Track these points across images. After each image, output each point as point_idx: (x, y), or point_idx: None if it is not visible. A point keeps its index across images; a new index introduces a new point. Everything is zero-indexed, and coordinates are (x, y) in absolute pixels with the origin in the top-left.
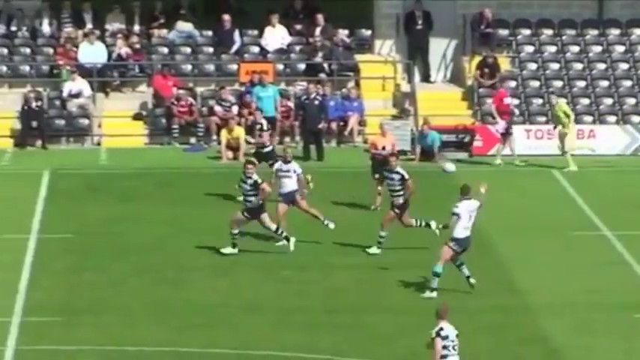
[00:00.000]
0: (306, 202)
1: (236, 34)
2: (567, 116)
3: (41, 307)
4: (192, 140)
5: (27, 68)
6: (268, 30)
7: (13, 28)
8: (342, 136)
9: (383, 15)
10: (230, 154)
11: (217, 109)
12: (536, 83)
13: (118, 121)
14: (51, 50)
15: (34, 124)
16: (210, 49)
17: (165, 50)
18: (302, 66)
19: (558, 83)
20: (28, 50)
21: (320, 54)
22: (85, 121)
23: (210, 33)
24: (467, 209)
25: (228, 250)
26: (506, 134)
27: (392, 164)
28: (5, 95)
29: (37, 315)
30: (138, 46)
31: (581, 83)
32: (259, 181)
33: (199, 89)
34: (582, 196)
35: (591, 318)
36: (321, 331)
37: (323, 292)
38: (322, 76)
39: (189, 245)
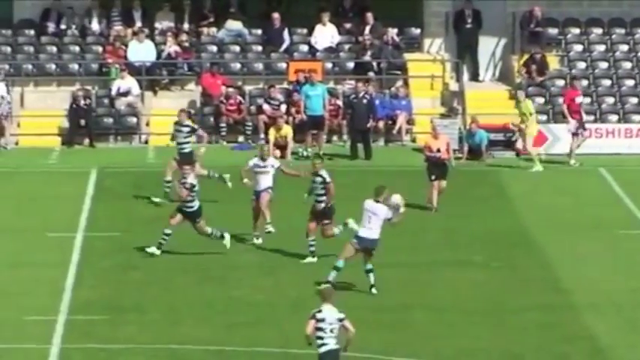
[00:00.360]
0: (268, 203)
1: (285, 33)
2: (531, 114)
3: (87, 306)
4: (241, 139)
5: (76, 66)
6: (318, 28)
7: (63, 27)
8: (390, 134)
9: (432, 13)
10: (278, 152)
11: (266, 107)
12: (585, 82)
13: (166, 120)
14: (100, 48)
15: (82, 122)
16: (260, 48)
17: (215, 49)
18: (351, 65)
19: (607, 82)
20: (77, 48)
21: (369, 53)
22: (134, 120)
23: (259, 31)
24: (365, 208)
25: (227, 242)
26: (577, 134)
27: (316, 167)
28: (54, 93)
29: (83, 313)
30: (187, 44)
31: (630, 82)
32: (195, 185)
33: (248, 88)
34: (629, 195)
35: (637, 317)
36: (367, 329)
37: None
38: (371, 74)
39: (235, 243)
